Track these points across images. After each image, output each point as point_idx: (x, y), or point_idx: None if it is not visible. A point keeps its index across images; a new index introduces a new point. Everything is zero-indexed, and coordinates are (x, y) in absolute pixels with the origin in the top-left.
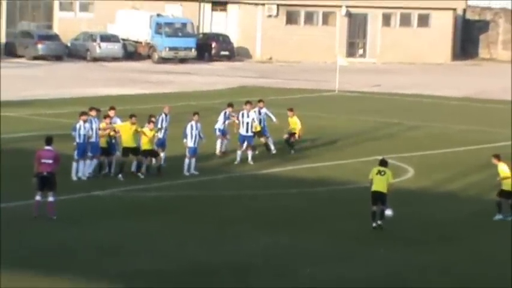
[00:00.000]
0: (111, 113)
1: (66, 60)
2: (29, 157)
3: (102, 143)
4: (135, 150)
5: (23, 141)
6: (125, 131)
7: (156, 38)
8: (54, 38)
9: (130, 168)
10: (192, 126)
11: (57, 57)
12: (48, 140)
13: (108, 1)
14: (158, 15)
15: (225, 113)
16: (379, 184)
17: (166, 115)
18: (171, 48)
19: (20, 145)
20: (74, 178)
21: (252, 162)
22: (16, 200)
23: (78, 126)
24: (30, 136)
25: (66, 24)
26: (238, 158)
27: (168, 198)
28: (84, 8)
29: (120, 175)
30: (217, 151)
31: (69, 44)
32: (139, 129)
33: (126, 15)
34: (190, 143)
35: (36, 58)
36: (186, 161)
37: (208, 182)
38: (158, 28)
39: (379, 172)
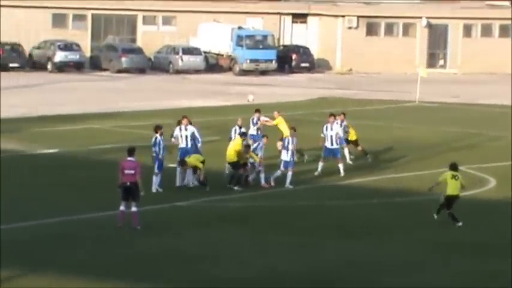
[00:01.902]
0: (184, 121)
1: (149, 73)
2: (113, 168)
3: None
4: (236, 164)
5: (107, 152)
6: (234, 146)
7: (237, 50)
8: (138, 51)
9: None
10: (288, 140)
11: (141, 70)
12: (131, 151)
13: (191, 14)
14: (239, 27)
15: (253, 119)
16: (455, 188)
17: (240, 127)
18: (252, 61)
19: (104, 156)
20: (153, 191)
21: (343, 174)
22: (102, 210)
23: (156, 140)
24: (114, 148)
25: (150, 38)
26: (319, 169)
27: (250, 208)
28: (167, 21)
29: (236, 187)
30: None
31: (152, 57)
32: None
33: (208, 28)
34: (285, 156)
35: (120, 71)
36: (278, 172)
37: (289, 192)
38: (239, 40)
39: (454, 176)
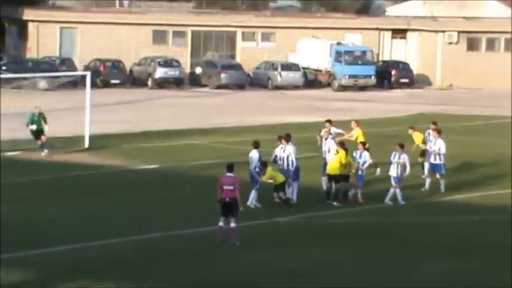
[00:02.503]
0: (282, 142)
1: (248, 89)
2: (212, 183)
3: None
4: (339, 178)
5: (207, 168)
6: (340, 159)
7: (336, 66)
8: (237, 67)
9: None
10: (395, 155)
11: (240, 86)
12: (230, 167)
13: (290, 30)
14: (338, 43)
15: (325, 130)
16: None
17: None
18: (350, 76)
19: (204, 172)
20: (252, 206)
21: (443, 191)
22: (201, 225)
23: (252, 155)
24: (214, 163)
25: (248, 54)
26: (426, 186)
27: (348, 224)
28: (265, 37)
29: (335, 202)
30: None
31: (251, 73)
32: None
33: (306, 44)
34: (393, 171)
35: (219, 87)
36: (391, 190)
37: (388, 208)
38: (338, 56)
39: None
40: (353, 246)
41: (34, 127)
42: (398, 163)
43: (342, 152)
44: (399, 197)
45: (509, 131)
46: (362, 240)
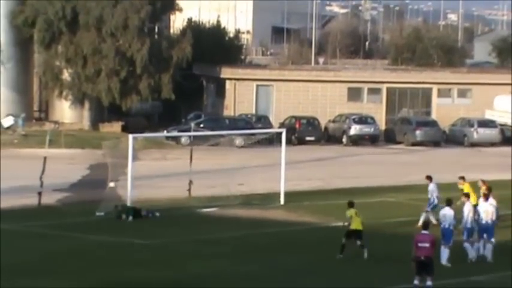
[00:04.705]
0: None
1: (444, 146)
2: (406, 241)
3: None
4: None
5: (402, 225)
6: None
7: None
8: (432, 124)
9: None
10: None
11: (435, 143)
12: (426, 225)
13: (486, 87)
14: None
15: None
16: None
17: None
18: None
19: (399, 229)
20: (443, 263)
21: None
22: (395, 283)
23: (445, 212)
24: (407, 221)
25: (444, 110)
26: None
27: None
28: (462, 94)
29: None
30: None
31: (446, 130)
32: None
33: (504, 101)
34: None
35: (414, 144)
36: None
37: None
38: None
39: None
40: None
41: None
42: None
43: None
44: None
45: None
46: None
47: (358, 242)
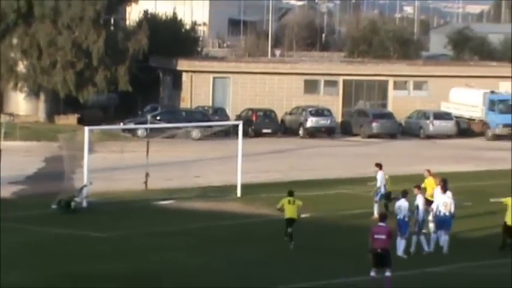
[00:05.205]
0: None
1: (400, 138)
2: (362, 233)
3: None
4: None
5: (358, 217)
6: None
7: (489, 115)
8: (389, 116)
9: None
10: None
11: (391, 136)
12: (382, 217)
13: (442, 79)
14: (492, 92)
15: None
16: None
17: None
18: (505, 125)
19: (354, 221)
20: (399, 254)
21: None
22: (352, 275)
23: (400, 204)
24: (363, 213)
25: (400, 103)
26: None
27: (503, 275)
28: (418, 86)
29: None
30: None
31: (403, 122)
32: None
33: (459, 93)
34: None
35: (370, 136)
36: None
37: None
38: (492, 105)
39: None
40: None
41: None
42: None
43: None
44: None
45: None
46: None
47: (289, 230)
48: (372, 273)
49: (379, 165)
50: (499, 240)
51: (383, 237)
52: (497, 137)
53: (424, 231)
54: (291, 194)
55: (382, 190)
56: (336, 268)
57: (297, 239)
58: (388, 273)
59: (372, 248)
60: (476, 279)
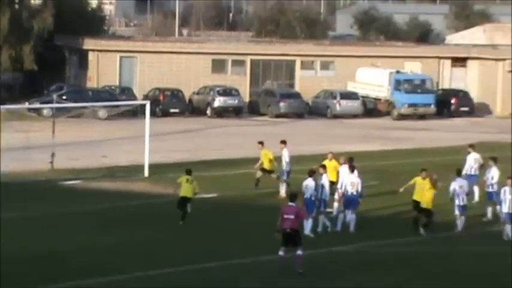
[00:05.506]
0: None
1: (307, 117)
2: (273, 212)
3: None
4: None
5: (266, 197)
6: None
7: (395, 94)
8: (296, 96)
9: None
10: (505, 191)
11: (299, 115)
12: (292, 196)
13: (348, 59)
14: (397, 72)
15: None
16: None
17: None
18: (410, 105)
19: (263, 201)
20: (306, 233)
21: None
22: (261, 254)
23: (307, 183)
24: (270, 192)
25: (307, 82)
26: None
27: (408, 253)
28: (324, 66)
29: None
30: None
31: (310, 102)
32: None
33: (365, 73)
34: (505, 208)
35: (278, 116)
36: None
37: (455, 237)
38: (397, 85)
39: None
40: (410, 276)
41: None
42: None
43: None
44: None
45: None
46: (420, 269)
47: (188, 209)
48: (281, 253)
49: (284, 142)
50: (404, 219)
51: (292, 217)
52: (403, 117)
53: (329, 210)
54: (188, 172)
55: (287, 167)
56: (244, 247)
57: (204, 220)
58: (299, 252)
59: (281, 227)
60: (381, 258)
